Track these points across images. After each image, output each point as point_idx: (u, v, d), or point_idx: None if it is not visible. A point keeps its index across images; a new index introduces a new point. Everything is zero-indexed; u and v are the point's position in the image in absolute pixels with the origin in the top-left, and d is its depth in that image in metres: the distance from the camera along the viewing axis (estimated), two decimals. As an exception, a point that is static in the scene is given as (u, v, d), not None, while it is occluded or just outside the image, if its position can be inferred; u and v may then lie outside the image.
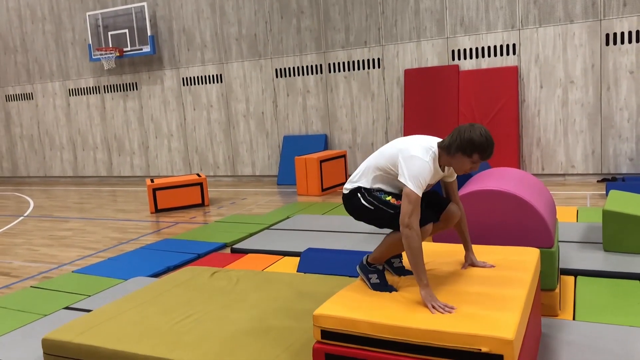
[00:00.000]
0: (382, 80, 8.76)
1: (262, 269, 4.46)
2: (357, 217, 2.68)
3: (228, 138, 10.09)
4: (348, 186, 2.68)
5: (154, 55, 10.32)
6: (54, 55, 11.50)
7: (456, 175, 2.70)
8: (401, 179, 2.41)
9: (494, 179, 3.59)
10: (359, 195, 2.60)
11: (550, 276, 3.21)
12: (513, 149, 7.79)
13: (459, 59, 8.19)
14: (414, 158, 2.41)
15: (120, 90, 10.93)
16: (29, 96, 11.97)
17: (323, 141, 9.16)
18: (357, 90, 8.95)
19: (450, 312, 2.21)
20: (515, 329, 2.02)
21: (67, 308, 3.88)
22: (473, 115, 8.02)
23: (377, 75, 8.78)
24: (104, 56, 10.38)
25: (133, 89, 10.80)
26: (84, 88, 11.30)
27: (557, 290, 3.31)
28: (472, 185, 3.59)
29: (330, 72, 9.09)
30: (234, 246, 5.32)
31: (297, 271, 4.36)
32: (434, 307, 2.25)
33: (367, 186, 2.60)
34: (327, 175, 8.20)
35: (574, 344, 2.85)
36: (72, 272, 4.90)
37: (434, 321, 2.13)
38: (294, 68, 9.34)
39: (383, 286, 2.56)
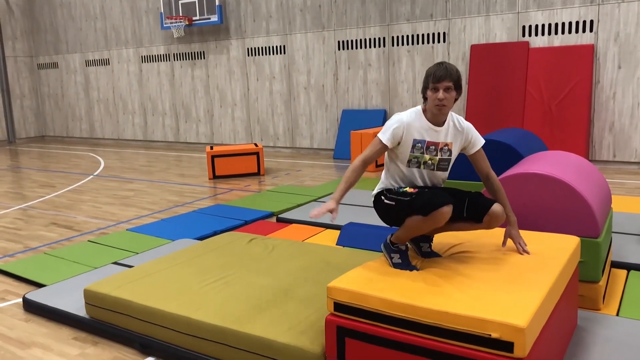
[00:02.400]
0: (447, 55, 8.45)
1: (303, 240, 4.50)
2: (388, 222, 2.69)
3: (288, 110, 10.16)
4: (374, 192, 2.74)
5: (221, 24, 10.50)
6: (129, 23, 11.97)
7: (479, 146, 2.68)
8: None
9: (542, 162, 3.40)
10: (382, 198, 2.65)
11: (593, 267, 3.02)
12: (582, 133, 7.32)
13: (530, 35, 7.74)
14: (390, 118, 2.61)
15: (189, 59, 11.24)
16: (105, 62, 12.58)
17: (382, 116, 9.02)
18: (420, 65, 8.69)
19: (310, 214, 2.36)
20: (530, 317, 1.93)
21: (114, 263, 4.11)
22: (541, 95, 7.59)
23: (442, 50, 8.48)
24: (174, 24, 10.68)
25: (200, 58, 11.07)
26: (155, 55, 11.72)
27: (602, 283, 3.11)
28: (517, 168, 3.42)
29: (393, 45, 8.88)
30: (280, 215, 5.40)
31: (336, 244, 4.37)
32: (321, 207, 2.42)
33: (386, 187, 2.67)
34: (383, 151, 8.08)
35: (611, 339, 2.69)
36: (127, 230, 5.18)
37: (446, 302, 2.08)
38: (356, 40, 9.20)
39: (405, 265, 2.53)
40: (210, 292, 3.04)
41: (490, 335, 1.91)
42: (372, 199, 2.74)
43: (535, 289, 2.15)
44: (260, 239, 4.03)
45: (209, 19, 10.43)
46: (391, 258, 2.59)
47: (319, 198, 6.13)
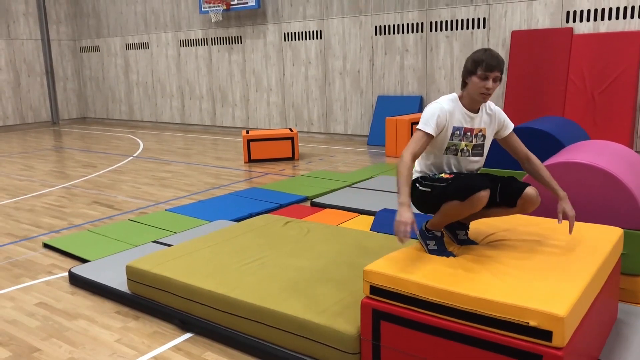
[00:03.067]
0: (487, 41, 8.27)
1: (337, 224, 4.53)
2: (424, 209, 2.66)
3: (323, 95, 10.16)
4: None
5: (259, 9, 10.53)
6: (168, 7, 12.13)
7: (511, 129, 2.67)
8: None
9: (586, 151, 3.32)
10: (416, 185, 2.61)
11: (636, 260, 2.95)
12: (626, 122, 7.08)
13: (574, 21, 7.49)
14: (425, 109, 2.56)
15: (226, 43, 11.33)
16: (145, 45, 12.80)
17: (418, 103, 8.92)
18: (459, 51, 8.54)
19: (402, 240, 2.24)
20: (570, 306, 1.91)
21: (154, 242, 4.23)
22: (584, 83, 7.37)
23: (482, 36, 8.30)
24: (212, 9, 10.77)
25: (237, 42, 11.15)
26: (193, 40, 11.86)
27: (644, 276, 3.04)
28: (560, 157, 3.35)
29: (431, 31, 8.75)
30: (314, 200, 5.44)
31: (370, 230, 4.38)
32: (399, 222, 2.26)
33: (420, 174, 2.65)
34: (418, 138, 8.01)
35: (651, 334, 2.63)
36: (165, 210, 5.31)
37: (484, 289, 2.07)
38: (394, 26, 9.10)
39: (440, 252, 2.53)
40: (247, 272, 3.11)
41: (528, 323, 1.91)
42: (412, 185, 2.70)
43: (576, 279, 2.13)
44: (296, 222, 4.08)
45: (247, 3, 10.47)
46: (427, 245, 2.59)
47: (353, 184, 6.14)
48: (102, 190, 6.46)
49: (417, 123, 8.37)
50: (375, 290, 2.29)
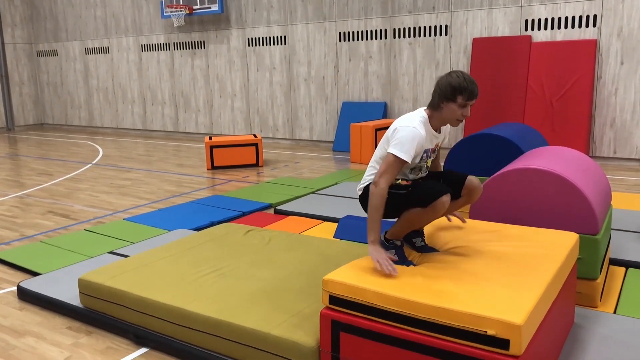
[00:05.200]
0: (449, 48, 8.39)
1: (300, 232, 4.48)
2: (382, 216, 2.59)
3: (288, 101, 10.11)
4: (360, 186, 2.65)
5: (222, 14, 10.42)
6: (129, 11, 11.89)
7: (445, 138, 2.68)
8: (389, 150, 2.42)
9: (543, 157, 3.37)
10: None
11: (592, 265, 3.00)
12: (583, 129, 7.28)
13: (533, 29, 7.68)
14: (399, 129, 2.43)
15: (189, 48, 11.17)
16: (105, 50, 12.50)
17: (382, 109, 8.97)
18: (422, 57, 8.64)
19: (391, 274, 2.24)
20: (527, 314, 1.91)
21: (110, 252, 4.08)
22: (542, 90, 7.54)
23: (444, 43, 8.42)
24: (174, 13, 10.60)
25: (201, 47, 11.00)
26: (155, 44, 11.65)
27: (600, 280, 3.09)
28: (518, 163, 3.39)
29: (394, 37, 8.82)
30: (278, 207, 5.38)
31: (334, 237, 4.35)
32: (378, 262, 2.27)
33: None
34: (383, 144, 8.05)
35: (608, 338, 2.67)
36: (123, 219, 5.15)
37: (442, 298, 2.05)
38: (358, 32, 9.14)
39: (401, 262, 2.51)
40: (205, 283, 3.02)
41: (486, 332, 1.89)
42: (360, 192, 2.67)
43: (532, 286, 2.13)
44: (257, 230, 4.01)
45: (210, 8, 10.35)
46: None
47: (318, 190, 6.10)
48: (58, 199, 6.23)
49: (381, 129, 8.38)
50: (334, 300, 2.25)
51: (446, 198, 2.36)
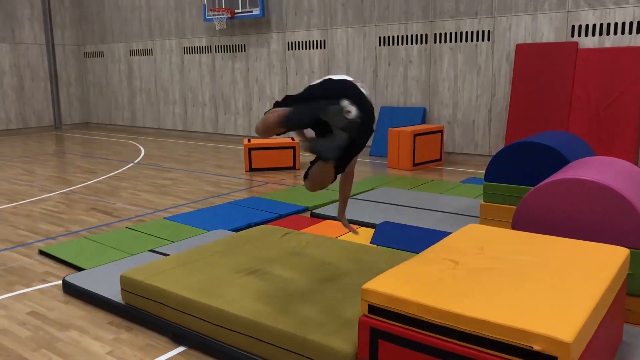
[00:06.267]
0: (491, 54, 8.24)
1: (336, 237, 4.47)
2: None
3: (326, 104, 10.10)
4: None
5: (263, 18, 10.53)
6: (173, 14, 12.15)
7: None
8: None
9: (590, 168, 3.26)
10: None
11: (642, 281, 2.88)
12: (631, 138, 7.02)
13: (579, 35, 7.46)
14: None
15: (230, 51, 11.33)
16: (149, 52, 12.81)
17: (421, 114, 8.88)
18: (463, 63, 8.52)
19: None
20: (577, 331, 1.84)
21: (151, 250, 4.17)
22: (588, 98, 7.32)
23: (486, 48, 8.28)
24: (216, 17, 10.78)
25: (241, 51, 11.15)
26: (197, 47, 11.87)
27: (650, 297, 2.96)
28: (564, 173, 3.29)
29: (435, 42, 8.72)
30: (314, 211, 5.38)
31: (370, 242, 4.32)
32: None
33: None
34: (421, 150, 7.97)
35: (658, 358, 2.55)
36: (164, 218, 5.25)
37: (487, 310, 2.00)
38: (398, 37, 9.08)
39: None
40: (243, 284, 3.04)
41: (532, 347, 1.84)
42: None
43: (581, 302, 2.05)
44: (295, 233, 4.02)
45: (251, 12, 10.48)
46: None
47: (354, 195, 6.08)
48: (101, 196, 6.41)
49: (420, 134, 8.31)
50: (373, 309, 2.23)
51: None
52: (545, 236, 2.83)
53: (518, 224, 3.21)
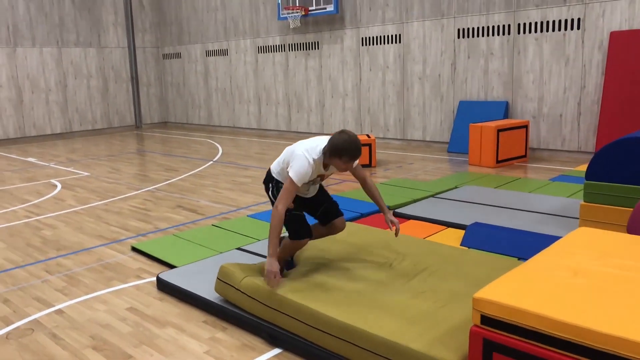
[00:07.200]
0: (581, 43, 7.73)
1: (424, 237, 4.32)
2: (267, 192, 3.30)
3: (401, 100, 9.92)
4: (271, 170, 3.25)
5: (337, 14, 10.47)
6: (247, 14, 12.35)
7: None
8: (289, 172, 2.98)
9: None
10: (271, 185, 3.23)
11: None
12: None
13: (686, 19, 6.84)
14: (299, 157, 2.98)
15: (303, 49, 11.37)
16: (224, 52, 13.11)
17: (503, 109, 8.49)
18: (549, 54, 8.05)
19: (272, 287, 2.91)
20: None
21: (238, 249, 4.20)
22: (696, 88, 6.69)
23: (575, 37, 7.77)
24: (290, 15, 10.83)
25: (315, 48, 11.15)
26: (270, 46, 12.00)
27: None
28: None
29: (519, 33, 8.30)
30: (397, 210, 5.24)
31: (461, 245, 4.14)
32: (270, 274, 2.91)
33: (279, 179, 3.17)
34: (505, 146, 7.62)
35: None
36: (247, 216, 5.30)
37: (620, 325, 1.81)
38: (478, 28, 8.72)
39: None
40: (339, 286, 2.98)
41: (681, 371, 1.63)
42: (267, 174, 3.28)
43: None
44: (382, 232, 3.91)
45: (325, 8, 10.45)
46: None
47: (437, 194, 5.88)
48: (185, 194, 6.58)
49: (503, 130, 7.94)
50: (487, 320, 2.08)
51: (304, 241, 3.17)
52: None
53: (634, 228, 2.94)
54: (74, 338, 3.03)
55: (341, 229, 3.35)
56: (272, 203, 3.17)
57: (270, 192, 3.25)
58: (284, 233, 3.26)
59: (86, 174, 8.17)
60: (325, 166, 3.08)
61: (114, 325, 3.16)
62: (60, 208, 6.05)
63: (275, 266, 2.91)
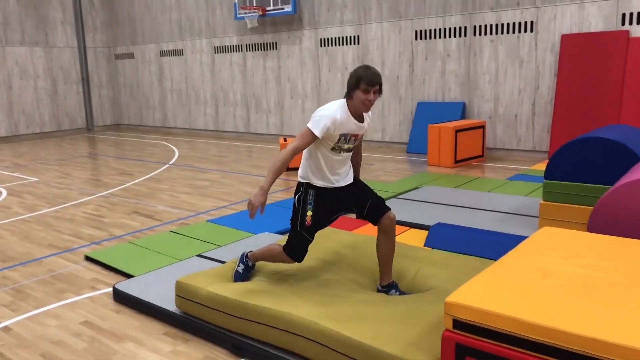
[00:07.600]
0: (534, 45, 7.94)
1: (388, 239, 4.28)
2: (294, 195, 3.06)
3: (361, 101, 9.92)
4: (299, 178, 3.07)
5: (295, 15, 10.39)
6: (203, 14, 12.10)
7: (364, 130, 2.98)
8: (308, 124, 2.78)
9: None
10: (301, 189, 3.01)
11: None
12: (689, 131, 6.65)
13: (631, 23, 7.11)
14: (318, 110, 2.82)
15: (261, 50, 11.23)
16: (179, 52, 12.80)
17: (460, 109, 8.63)
18: (504, 56, 8.23)
19: (251, 213, 2.68)
20: None
21: (199, 255, 4.05)
22: (642, 89, 6.97)
23: (529, 40, 7.97)
24: (247, 15, 10.68)
25: (273, 49, 11.03)
26: (227, 46, 11.79)
27: None
28: (634, 174, 3.05)
29: (475, 35, 8.45)
30: (360, 212, 5.20)
31: (424, 245, 4.13)
32: (253, 204, 2.68)
33: (307, 179, 2.99)
34: (463, 147, 7.73)
35: None
36: (207, 221, 5.15)
37: (596, 327, 1.80)
38: (435, 30, 8.83)
39: (242, 278, 3.11)
40: (308, 289, 2.91)
41: (654, 371, 1.63)
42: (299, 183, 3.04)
43: (699, 317, 1.84)
44: (345, 234, 3.86)
45: (283, 9, 10.35)
46: (238, 266, 3.15)
47: (399, 194, 5.88)
48: (141, 199, 6.35)
49: (462, 130, 8.06)
50: (459, 324, 2.05)
51: (291, 261, 2.98)
52: (636, 241, 2.60)
53: (596, 226, 2.99)
54: (23, 357, 2.83)
55: (392, 226, 3.01)
56: (294, 209, 2.96)
57: (297, 196, 3.00)
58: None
59: (34, 179, 7.78)
60: (356, 116, 2.84)
61: (67, 341, 2.97)
62: (6, 216, 5.72)
63: (259, 199, 2.69)
